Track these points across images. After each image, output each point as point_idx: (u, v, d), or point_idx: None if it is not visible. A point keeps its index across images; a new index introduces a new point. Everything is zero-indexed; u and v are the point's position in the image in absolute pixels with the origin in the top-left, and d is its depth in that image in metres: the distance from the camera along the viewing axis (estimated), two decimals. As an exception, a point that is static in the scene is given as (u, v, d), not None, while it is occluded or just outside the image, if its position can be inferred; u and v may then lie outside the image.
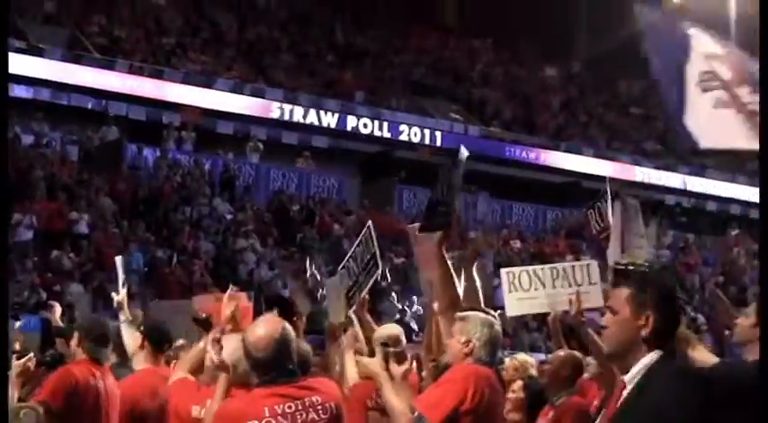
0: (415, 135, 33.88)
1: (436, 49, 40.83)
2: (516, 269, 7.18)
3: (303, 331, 8.00)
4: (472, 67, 40.95)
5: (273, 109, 31.75)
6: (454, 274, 6.21)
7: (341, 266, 7.26)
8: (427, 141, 33.94)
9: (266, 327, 4.84)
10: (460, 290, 6.25)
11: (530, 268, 7.17)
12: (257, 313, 6.42)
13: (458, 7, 43.84)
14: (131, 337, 7.40)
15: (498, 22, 40.90)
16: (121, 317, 7.79)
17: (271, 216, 27.53)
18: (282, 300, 13.35)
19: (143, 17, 33.49)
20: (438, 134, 34.17)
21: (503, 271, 7.18)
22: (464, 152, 6.44)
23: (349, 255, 7.09)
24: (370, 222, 7.15)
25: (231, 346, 5.12)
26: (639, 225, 6.50)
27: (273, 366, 4.77)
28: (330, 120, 32.56)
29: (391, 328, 6.90)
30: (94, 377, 6.98)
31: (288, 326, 4.87)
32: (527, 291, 7.02)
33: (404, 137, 33.71)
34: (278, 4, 38.25)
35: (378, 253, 6.81)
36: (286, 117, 31.86)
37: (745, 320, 4.93)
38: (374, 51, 38.29)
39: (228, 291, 6.15)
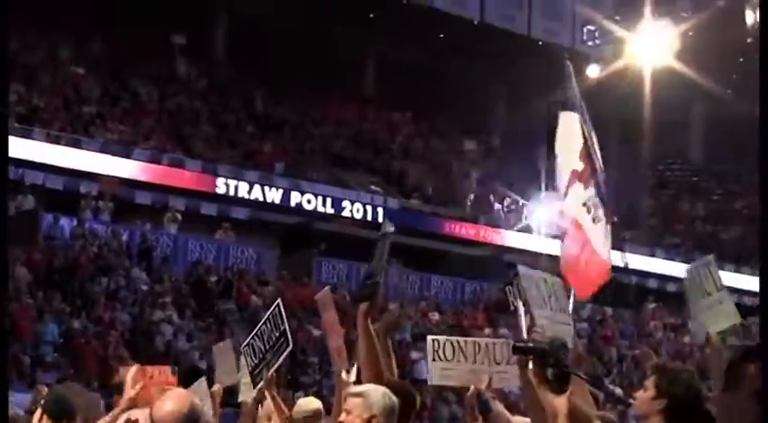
0: (336, 207, 33.92)
1: (356, 121, 41.03)
2: (441, 338, 7.15)
3: (220, 404, 7.90)
4: (392, 139, 41.18)
5: (219, 185, 31.84)
6: (378, 346, 6.17)
7: (243, 345, 7.20)
8: (347, 213, 33.99)
9: (174, 401, 4.74)
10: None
11: (453, 339, 7.14)
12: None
13: (376, 79, 44.17)
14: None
15: (417, 94, 41.30)
16: None
17: (188, 287, 27.31)
18: (198, 372, 13.20)
19: (62, 86, 33.29)
20: (357, 206, 34.23)
21: (429, 338, 7.15)
22: (389, 226, 6.45)
23: (254, 333, 7.04)
24: (279, 300, 7.12)
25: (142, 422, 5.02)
26: (563, 300, 6.48)
27: (181, 442, 4.68)
28: (249, 191, 32.54)
29: (311, 403, 6.84)
30: None
31: (197, 400, 4.78)
32: (449, 361, 7.00)
33: (323, 209, 33.72)
34: (198, 75, 38.25)
35: (288, 330, 6.77)
36: (209, 189, 31.81)
37: (644, 394, 4.90)
38: (294, 122, 38.38)
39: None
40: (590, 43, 44.12)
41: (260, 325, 7.06)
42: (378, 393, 5.22)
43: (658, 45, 40.17)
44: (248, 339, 7.16)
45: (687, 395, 4.75)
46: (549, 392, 4.74)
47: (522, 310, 6.25)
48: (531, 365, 4.89)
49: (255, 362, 6.94)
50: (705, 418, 4.89)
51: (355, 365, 6.35)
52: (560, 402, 4.73)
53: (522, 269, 6.14)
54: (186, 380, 7.63)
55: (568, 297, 6.45)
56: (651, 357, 7.33)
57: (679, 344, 34.94)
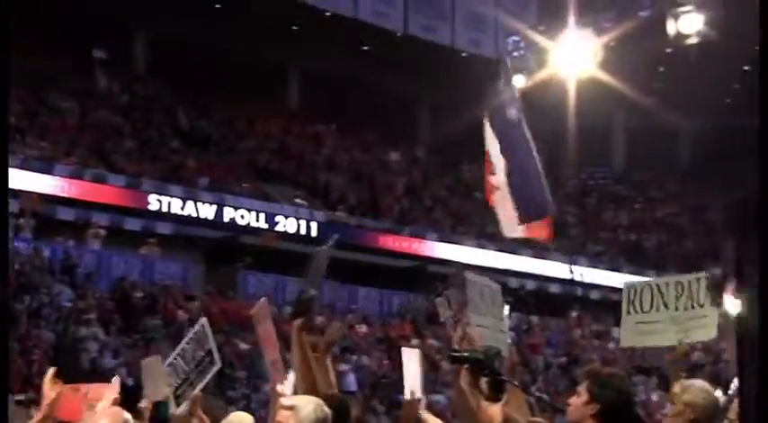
0: (268, 221, 33.79)
1: (280, 134, 40.90)
2: (407, 349, 7.26)
3: (150, 419, 7.83)
4: (317, 151, 41.11)
5: (152, 201, 31.61)
6: (312, 360, 6.17)
7: (166, 364, 7.13)
8: (274, 227, 33.86)
9: (108, 419, 4.70)
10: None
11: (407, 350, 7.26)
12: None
13: (300, 92, 44.10)
14: None
15: (341, 106, 41.32)
16: None
17: (113, 303, 27.01)
18: (126, 388, 13.03)
19: (-20, 102, 32.74)
20: (288, 220, 34.15)
21: (403, 350, 7.28)
22: (331, 242, 6.50)
23: (176, 352, 6.98)
24: (204, 319, 7.07)
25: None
26: (500, 308, 6.55)
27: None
28: (183, 207, 32.31)
29: (243, 418, 6.80)
30: None
31: (130, 418, 4.73)
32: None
33: (248, 222, 33.56)
34: (120, 89, 37.89)
35: (214, 349, 6.72)
36: (138, 204, 31.56)
37: (577, 399, 4.92)
38: (217, 136, 38.16)
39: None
40: (514, 53, 44.40)
41: (182, 343, 7.00)
42: (309, 406, 5.20)
43: (582, 55, 40.54)
44: (170, 359, 7.08)
45: (618, 400, 4.79)
46: (484, 401, 4.75)
47: (451, 321, 6.29)
48: (464, 374, 4.90)
49: (179, 382, 6.88)
50: (636, 422, 4.95)
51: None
52: (495, 410, 4.74)
53: (469, 275, 6.19)
54: (126, 396, 7.53)
55: (503, 305, 6.51)
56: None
57: (605, 350, 35.26)
